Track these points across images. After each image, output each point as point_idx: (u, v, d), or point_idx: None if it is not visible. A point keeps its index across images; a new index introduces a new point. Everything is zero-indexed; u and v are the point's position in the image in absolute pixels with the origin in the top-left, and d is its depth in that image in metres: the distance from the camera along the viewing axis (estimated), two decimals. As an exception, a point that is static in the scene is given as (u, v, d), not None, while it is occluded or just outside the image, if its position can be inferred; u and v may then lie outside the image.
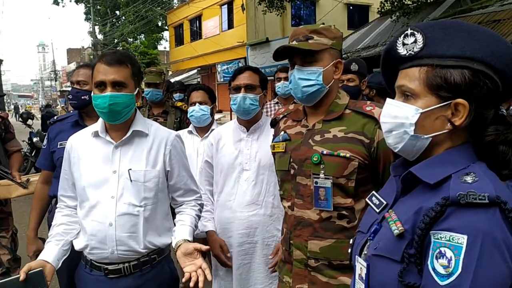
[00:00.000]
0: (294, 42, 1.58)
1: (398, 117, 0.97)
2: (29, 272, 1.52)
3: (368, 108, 1.58)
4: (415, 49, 0.95)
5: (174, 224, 1.88)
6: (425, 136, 0.95)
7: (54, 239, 1.72)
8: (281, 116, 1.84)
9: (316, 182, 1.55)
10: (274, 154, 1.77)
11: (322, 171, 1.54)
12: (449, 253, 0.80)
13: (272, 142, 1.80)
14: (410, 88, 0.95)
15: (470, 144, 0.95)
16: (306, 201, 1.60)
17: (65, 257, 1.72)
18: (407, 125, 0.96)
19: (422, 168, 0.96)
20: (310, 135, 1.62)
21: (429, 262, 0.83)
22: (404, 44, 0.97)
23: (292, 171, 1.64)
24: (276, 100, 4.01)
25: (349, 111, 1.61)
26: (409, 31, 0.96)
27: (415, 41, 0.95)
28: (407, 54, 0.96)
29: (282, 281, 1.73)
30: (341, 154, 1.53)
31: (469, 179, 0.86)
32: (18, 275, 1.51)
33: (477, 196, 0.81)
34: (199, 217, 1.89)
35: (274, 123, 1.88)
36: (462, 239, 0.79)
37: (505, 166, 0.92)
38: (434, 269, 0.82)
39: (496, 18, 8.53)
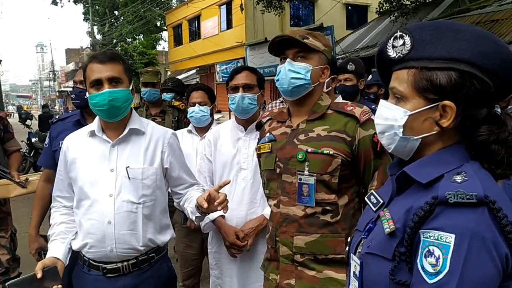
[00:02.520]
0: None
1: (389, 119, 0.99)
2: (44, 270, 1.54)
3: (349, 108, 1.66)
4: (404, 52, 0.95)
5: (172, 224, 1.90)
6: (415, 138, 0.96)
7: (59, 237, 1.73)
8: (265, 119, 1.88)
9: (300, 179, 1.61)
10: (259, 155, 1.82)
11: (307, 168, 1.60)
12: (437, 252, 0.81)
13: (257, 144, 1.84)
14: (400, 90, 0.97)
15: (463, 144, 0.96)
16: (292, 198, 1.64)
17: (69, 255, 1.73)
18: (396, 127, 0.97)
19: (415, 167, 0.97)
20: (295, 134, 1.68)
21: (418, 261, 0.84)
22: (394, 47, 0.98)
23: (278, 170, 1.69)
24: (281, 99, 4.03)
25: (331, 111, 1.69)
26: (398, 33, 0.97)
27: (404, 44, 0.95)
28: (396, 57, 0.97)
29: (268, 279, 1.76)
30: (325, 152, 1.59)
31: (458, 178, 0.87)
32: (34, 273, 1.53)
33: (465, 196, 0.81)
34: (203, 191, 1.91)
35: (259, 126, 1.92)
36: (450, 238, 0.80)
37: (498, 165, 0.92)
38: (422, 267, 0.83)
39: (495, 18, 8.54)
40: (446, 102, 0.90)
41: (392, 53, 0.98)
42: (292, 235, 1.63)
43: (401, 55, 0.96)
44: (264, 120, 1.89)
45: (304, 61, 1.65)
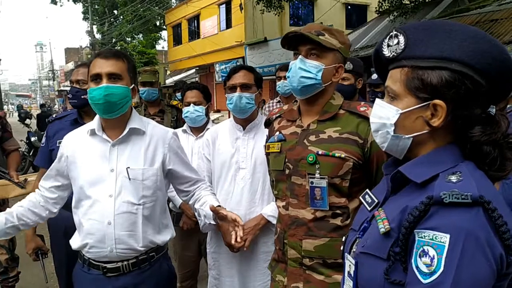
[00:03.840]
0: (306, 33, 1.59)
1: (382, 118, 0.99)
2: None
3: (362, 109, 1.60)
4: (398, 51, 0.96)
5: (172, 221, 1.90)
6: (406, 136, 0.96)
7: (4, 216, 1.76)
8: (275, 116, 1.85)
9: (312, 182, 1.57)
10: (268, 154, 1.78)
11: (318, 171, 1.56)
12: (432, 252, 0.81)
13: (266, 142, 1.81)
14: (393, 89, 0.97)
15: (457, 144, 0.95)
16: (301, 200, 1.61)
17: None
18: (388, 125, 0.98)
19: (410, 167, 0.96)
20: (305, 135, 1.64)
21: (412, 261, 0.84)
22: (388, 46, 0.98)
23: (287, 171, 1.65)
24: (278, 98, 4.03)
25: (343, 111, 1.63)
26: (393, 33, 0.98)
27: (398, 43, 0.96)
28: (390, 56, 0.98)
29: (274, 280, 1.75)
30: (336, 155, 1.54)
31: (453, 178, 0.86)
32: None
33: (460, 196, 0.81)
34: (214, 195, 1.93)
35: (268, 124, 1.89)
36: (444, 238, 0.80)
37: (490, 166, 0.91)
38: (417, 267, 0.83)
39: (494, 18, 8.54)
40: (437, 101, 0.90)
41: (387, 52, 0.99)
42: (300, 238, 1.60)
43: (395, 54, 0.96)
44: (273, 117, 1.85)
45: (317, 59, 1.58)
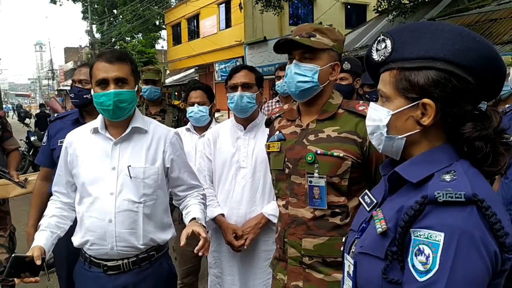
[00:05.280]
0: (297, 37, 1.60)
1: (376, 120, 1.01)
2: (26, 259, 1.56)
3: (360, 108, 1.61)
4: (386, 54, 0.98)
5: (173, 221, 1.90)
6: (399, 137, 0.98)
7: (49, 230, 1.74)
8: (275, 116, 1.86)
9: (311, 181, 1.58)
10: (268, 153, 1.80)
11: (316, 170, 1.57)
12: (427, 250, 0.82)
13: (266, 141, 1.82)
14: (384, 92, 0.99)
15: (452, 143, 0.96)
16: (300, 199, 1.62)
17: (51, 251, 1.74)
18: (382, 127, 0.99)
19: (406, 167, 0.98)
20: (304, 134, 1.65)
21: (409, 259, 0.86)
22: (377, 50, 1.01)
23: (286, 170, 1.67)
24: (277, 98, 4.03)
25: (342, 110, 1.64)
26: (381, 37, 1.00)
27: (385, 47, 0.98)
28: (379, 60, 1.00)
29: (276, 278, 1.76)
30: (335, 154, 1.55)
31: (448, 177, 0.87)
32: (30, 255, 1.56)
33: (454, 195, 0.82)
34: (203, 204, 1.91)
35: (268, 123, 1.90)
36: (439, 237, 0.81)
37: (483, 162, 0.93)
38: (413, 265, 0.84)
39: (493, 17, 8.57)
40: (426, 100, 0.92)
41: (376, 56, 1.01)
42: (300, 237, 1.62)
43: (384, 58, 0.99)
44: (273, 117, 1.87)
45: (311, 62, 1.59)
